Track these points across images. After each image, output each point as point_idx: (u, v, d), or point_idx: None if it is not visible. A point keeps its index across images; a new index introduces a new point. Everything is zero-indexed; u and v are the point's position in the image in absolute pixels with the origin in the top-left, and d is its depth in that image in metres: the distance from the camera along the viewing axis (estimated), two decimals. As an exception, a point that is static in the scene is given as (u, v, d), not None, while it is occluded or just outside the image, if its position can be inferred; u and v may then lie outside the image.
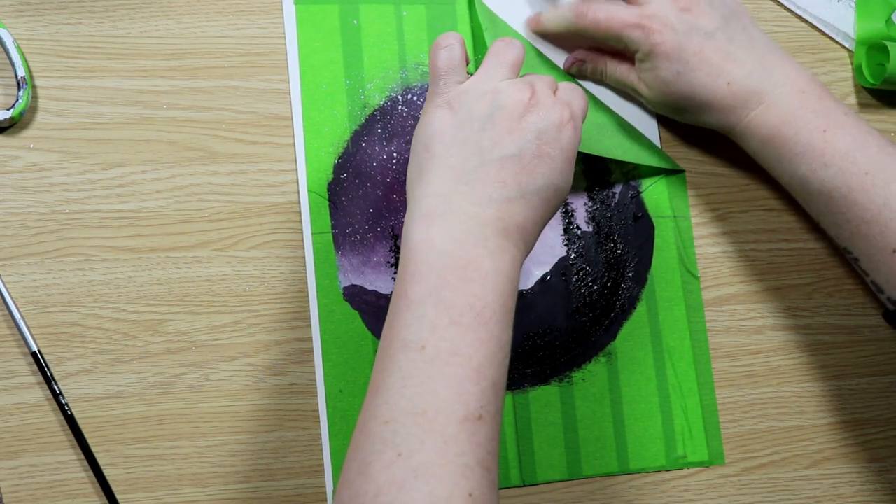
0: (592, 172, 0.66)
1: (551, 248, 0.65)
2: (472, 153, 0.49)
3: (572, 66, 0.66)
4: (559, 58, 0.67)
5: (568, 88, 0.54)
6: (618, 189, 0.66)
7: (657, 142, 0.67)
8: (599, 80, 0.66)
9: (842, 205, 0.59)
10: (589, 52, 0.66)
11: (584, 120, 0.53)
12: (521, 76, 0.54)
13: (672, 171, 0.67)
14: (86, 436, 0.57)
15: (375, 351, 0.58)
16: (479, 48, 0.65)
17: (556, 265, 0.64)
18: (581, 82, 0.66)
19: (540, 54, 0.66)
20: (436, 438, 0.43)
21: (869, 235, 0.58)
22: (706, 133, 0.67)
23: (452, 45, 0.53)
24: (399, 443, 0.43)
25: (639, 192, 0.66)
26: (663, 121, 0.67)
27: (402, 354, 0.45)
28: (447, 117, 0.51)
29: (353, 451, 0.45)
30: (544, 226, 0.52)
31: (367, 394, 0.46)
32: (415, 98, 0.64)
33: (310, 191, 0.62)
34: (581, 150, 0.62)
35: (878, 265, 0.59)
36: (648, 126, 0.67)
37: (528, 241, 0.50)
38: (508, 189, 0.49)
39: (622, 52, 0.64)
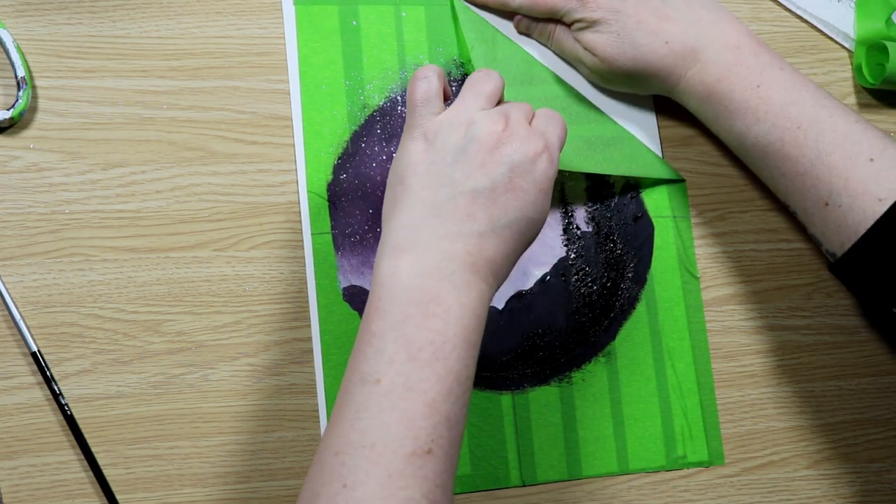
0: (593, 173, 0.66)
1: (551, 248, 0.65)
2: (443, 185, 0.49)
3: (520, 23, 0.66)
4: (542, 56, 0.66)
5: (544, 117, 0.53)
6: (618, 189, 0.66)
7: (657, 141, 0.67)
8: (545, 45, 0.66)
9: (776, 159, 0.60)
10: (531, 21, 0.66)
11: (561, 148, 0.53)
12: (503, 103, 0.54)
13: (672, 181, 0.67)
14: (86, 436, 0.57)
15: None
16: (465, 52, 0.65)
17: (555, 265, 0.64)
18: (575, 87, 0.66)
19: (531, 59, 0.66)
20: (380, 471, 0.43)
21: (803, 189, 0.59)
22: (706, 133, 0.67)
23: (430, 77, 0.53)
24: (346, 474, 0.44)
25: (638, 193, 0.66)
26: (663, 119, 0.67)
27: (358, 388, 0.46)
28: (422, 149, 0.51)
29: (306, 481, 0.46)
30: (517, 259, 0.52)
31: (327, 425, 0.47)
32: (415, 98, 0.64)
33: (309, 191, 0.62)
34: (569, 168, 0.63)
35: (813, 218, 0.60)
36: (648, 125, 0.67)
37: (499, 275, 0.50)
38: (478, 223, 0.49)
39: (561, 21, 0.64)
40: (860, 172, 0.57)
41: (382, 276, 0.48)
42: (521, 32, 0.66)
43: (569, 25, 0.64)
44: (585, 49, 0.63)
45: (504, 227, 0.49)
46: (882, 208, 0.56)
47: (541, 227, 0.52)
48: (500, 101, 0.54)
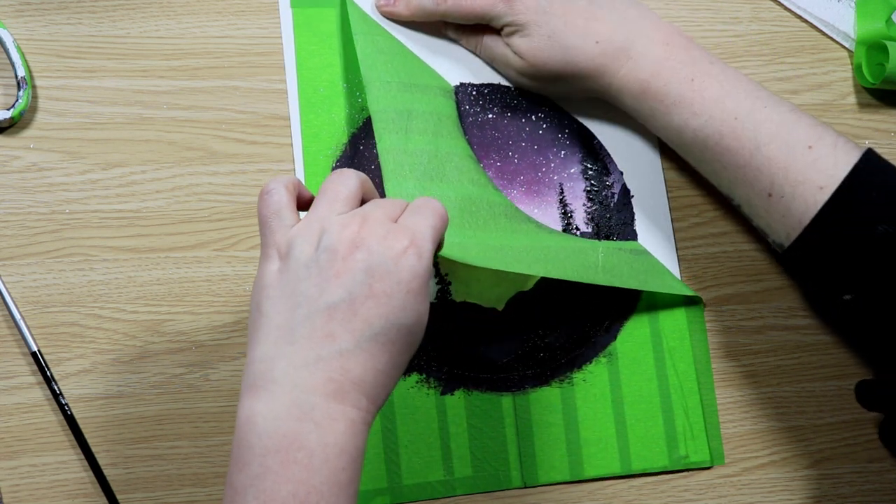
0: (593, 173, 0.66)
1: (551, 248, 0.64)
2: (297, 306, 0.44)
3: (447, 29, 0.65)
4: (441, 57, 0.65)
5: (413, 208, 0.48)
6: (617, 189, 0.66)
7: (656, 142, 0.67)
8: (474, 53, 0.66)
9: (716, 152, 0.60)
10: (459, 29, 0.65)
11: (437, 238, 0.47)
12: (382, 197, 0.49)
13: (690, 301, 0.65)
14: (86, 436, 0.57)
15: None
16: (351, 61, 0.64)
17: (556, 265, 0.64)
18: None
19: (449, 154, 0.62)
20: None
21: (745, 181, 0.59)
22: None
23: (276, 189, 0.47)
24: None
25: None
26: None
27: None
28: (275, 269, 0.46)
29: None
30: (398, 372, 0.46)
31: None
32: (415, 98, 0.64)
33: (309, 192, 0.62)
34: (479, 264, 0.57)
35: (757, 210, 0.60)
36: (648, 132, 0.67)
37: (374, 395, 0.45)
38: (339, 342, 0.43)
39: (489, 27, 0.63)
40: (799, 161, 0.57)
41: (240, 421, 0.44)
42: (451, 38, 0.65)
43: (498, 31, 0.63)
44: (515, 54, 0.62)
45: (370, 341, 0.44)
46: (823, 197, 0.56)
47: (420, 332, 0.46)
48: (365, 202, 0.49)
